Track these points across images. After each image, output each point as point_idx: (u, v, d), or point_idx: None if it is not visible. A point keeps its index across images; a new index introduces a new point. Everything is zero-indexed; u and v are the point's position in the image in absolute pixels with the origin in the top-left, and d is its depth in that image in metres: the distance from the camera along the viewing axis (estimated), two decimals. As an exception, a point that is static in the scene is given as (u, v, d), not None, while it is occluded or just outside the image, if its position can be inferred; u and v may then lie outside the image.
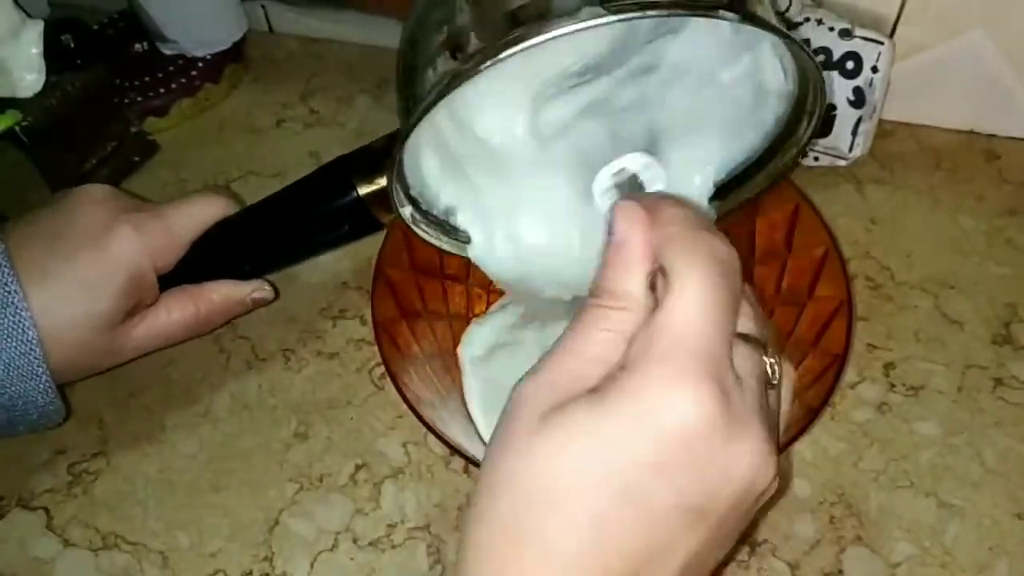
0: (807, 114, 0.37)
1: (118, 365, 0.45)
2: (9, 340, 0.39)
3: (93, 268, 0.41)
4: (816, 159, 0.52)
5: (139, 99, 0.58)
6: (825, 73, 0.48)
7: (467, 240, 0.40)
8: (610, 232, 0.27)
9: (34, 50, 0.51)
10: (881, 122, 0.53)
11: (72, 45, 0.54)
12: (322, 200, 0.42)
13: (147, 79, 0.59)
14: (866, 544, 0.40)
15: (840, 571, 0.40)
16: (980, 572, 0.39)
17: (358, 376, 0.47)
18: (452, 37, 0.30)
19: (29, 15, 0.52)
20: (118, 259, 0.41)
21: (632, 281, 0.26)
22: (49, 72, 0.52)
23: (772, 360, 0.27)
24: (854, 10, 0.50)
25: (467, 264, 0.47)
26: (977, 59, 0.50)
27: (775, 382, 0.27)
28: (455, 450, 0.39)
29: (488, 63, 0.28)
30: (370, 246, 0.43)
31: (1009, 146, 0.54)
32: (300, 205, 0.43)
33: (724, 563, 0.39)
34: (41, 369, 0.40)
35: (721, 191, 0.39)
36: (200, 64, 0.59)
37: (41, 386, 0.40)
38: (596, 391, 0.25)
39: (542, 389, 0.26)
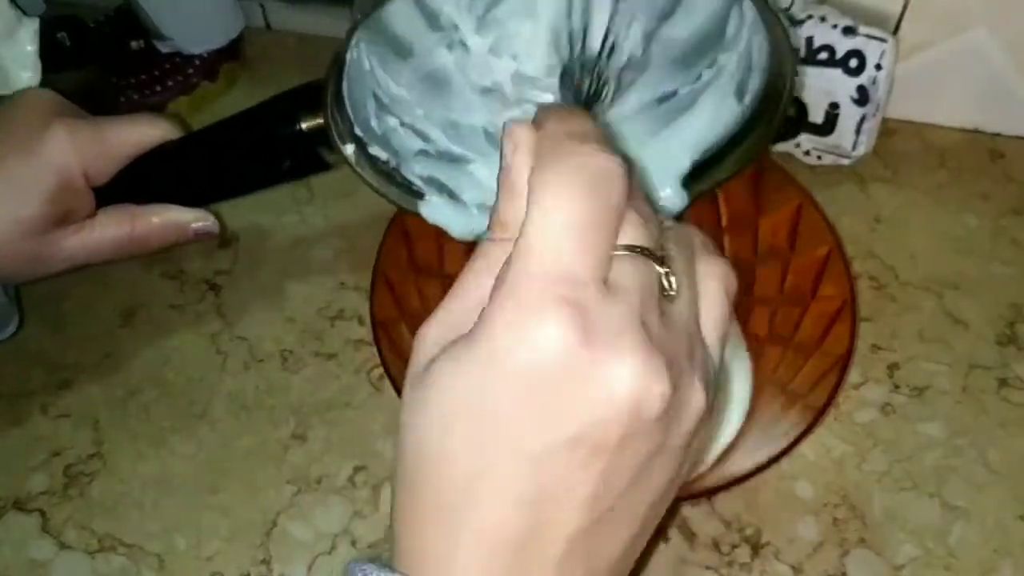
0: (781, 91, 0.35)
1: (50, 276, 0.43)
2: None
3: (22, 170, 0.40)
4: (819, 158, 0.52)
5: (135, 97, 0.58)
6: (829, 71, 0.48)
7: (420, 195, 0.39)
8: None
9: (30, 48, 0.51)
10: (885, 120, 0.53)
11: (68, 43, 0.54)
12: (263, 130, 0.41)
13: (144, 77, 0.58)
14: (870, 546, 0.40)
15: (843, 574, 0.39)
16: (984, 574, 0.39)
17: (357, 377, 0.47)
18: None
19: (25, 12, 0.51)
20: (48, 162, 0.40)
21: (519, 209, 0.23)
22: (45, 70, 0.52)
23: (665, 270, 0.24)
24: (858, 8, 0.49)
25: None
26: (981, 57, 0.50)
27: (671, 292, 0.24)
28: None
29: None
30: (369, 246, 0.43)
31: (1014, 145, 0.53)
32: (240, 133, 0.42)
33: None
34: None
35: (695, 172, 0.39)
36: (197, 62, 0.59)
37: None
38: (468, 334, 0.23)
39: (430, 335, 0.24)
